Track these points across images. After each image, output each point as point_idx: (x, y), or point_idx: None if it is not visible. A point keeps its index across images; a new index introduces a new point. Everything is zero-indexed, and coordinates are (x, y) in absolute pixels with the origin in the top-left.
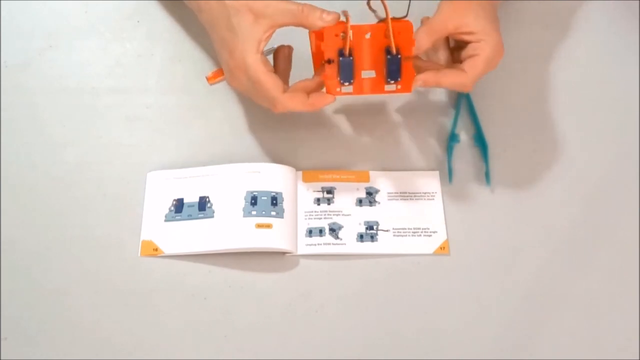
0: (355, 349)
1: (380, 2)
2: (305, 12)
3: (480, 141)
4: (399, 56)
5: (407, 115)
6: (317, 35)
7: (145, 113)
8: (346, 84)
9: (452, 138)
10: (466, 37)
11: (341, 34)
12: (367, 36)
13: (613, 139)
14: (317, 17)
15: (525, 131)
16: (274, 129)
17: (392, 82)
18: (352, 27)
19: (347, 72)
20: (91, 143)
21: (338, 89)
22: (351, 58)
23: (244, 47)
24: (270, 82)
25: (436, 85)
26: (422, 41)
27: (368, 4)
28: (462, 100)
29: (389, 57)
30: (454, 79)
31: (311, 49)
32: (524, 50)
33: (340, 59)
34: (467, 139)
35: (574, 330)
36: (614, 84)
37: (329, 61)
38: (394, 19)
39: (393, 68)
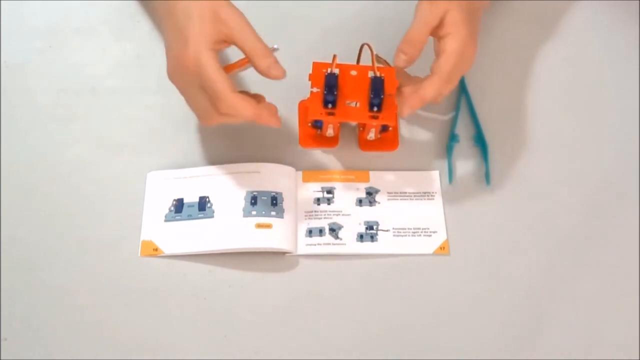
0: (355, 348)
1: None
2: (259, 53)
3: (480, 141)
4: (382, 76)
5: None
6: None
7: (145, 113)
8: (329, 107)
9: (452, 138)
10: (438, 32)
11: (328, 69)
12: (353, 73)
13: (613, 139)
14: (266, 65)
15: (525, 131)
16: (274, 129)
17: (375, 111)
18: (339, 65)
19: (330, 85)
20: (91, 143)
21: (321, 113)
22: (336, 73)
23: (199, 39)
24: (221, 78)
25: (421, 102)
26: (408, 48)
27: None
28: (462, 100)
29: (372, 77)
30: (432, 86)
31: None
32: (524, 50)
33: (326, 73)
34: (467, 139)
35: (574, 330)
36: (614, 84)
37: (313, 90)
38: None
39: (376, 89)
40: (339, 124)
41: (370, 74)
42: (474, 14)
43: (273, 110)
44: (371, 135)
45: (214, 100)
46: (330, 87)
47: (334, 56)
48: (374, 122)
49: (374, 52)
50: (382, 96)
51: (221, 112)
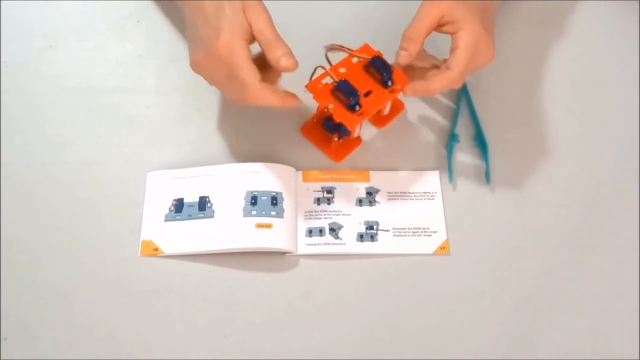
0: (355, 348)
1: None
2: (273, 45)
3: (480, 141)
4: (378, 56)
5: (407, 115)
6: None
7: (145, 113)
8: (357, 108)
9: (452, 138)
10: (447, 29)
11: (325, 79)
12: (342, 70)
13: (613, 139)
14: (278, 55)
15: (525, 131)
16: (274, 129)
17: (390, 85)
18: (329, 70)
19: (348, 90)
20: (91, 143)
21: (355, 119)
22: (344, 79)
23: (232, 30)
24: (250, 68)
25: (426, 92)
26: (408, 44)
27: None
28: (462, 100)
29: (370, 58)
30: (441, 81)
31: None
32: (524, 50)
33: (335, 84)
34: (467, 139)
35: (574, 330)
36: (614, 84)
37: (329, 107)
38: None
39: (382, 65)
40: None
41: (355, 60)
42: (485, 12)
43: (294, 95)
44: (387, 109)
45: (242, 89)
46: (350, 91)
47: (325, 68)
48: (395, 94)
49: (340, 48)
50: (391, 68)
51: (248, 101)
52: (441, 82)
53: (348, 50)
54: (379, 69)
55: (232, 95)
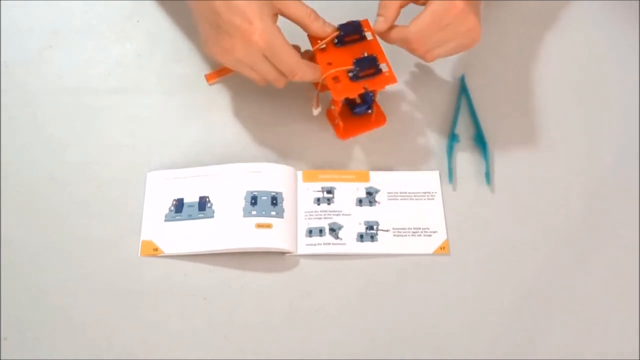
0: (355, 348)
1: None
2: (312, 17)
3: (480, 141)
4: (339, 25)
5: (407, 115)
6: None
7: (145, 113)
8: (381, 66)
9: (452, 138)
10: (423, 1)
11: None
12: (330, 65)
13: (613, 139)
14: (320, 26)
15: (525, 131)
16: (274, 129)
17: (367, 37)
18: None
19: (368, 62)
20: (91, 143)
21: (388, 77)
22: (354, 59)
23: (263, 17)
24: (292, 51)
25: (384, 36)
26: (384, 10)
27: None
28: (462, 101)
29: (337, 29)
30: (396, 33)
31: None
32: (523, 50)
33: (356, 68)
34: (467, 139)
35: (574, 330)
36: (614, 84)
37: (366, 94)
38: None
39: (350, 26)
40: None
41: (323, 45)
42: None
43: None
44: None
45: (287, 69)
46: (370, 60)
47: (327, 74)
48: (375, 38)
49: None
50: (357, 22)
51: (294, 79)
52: (395, 35)
53: (312, 49)
54: (352, 31)
55: (267, 75)
